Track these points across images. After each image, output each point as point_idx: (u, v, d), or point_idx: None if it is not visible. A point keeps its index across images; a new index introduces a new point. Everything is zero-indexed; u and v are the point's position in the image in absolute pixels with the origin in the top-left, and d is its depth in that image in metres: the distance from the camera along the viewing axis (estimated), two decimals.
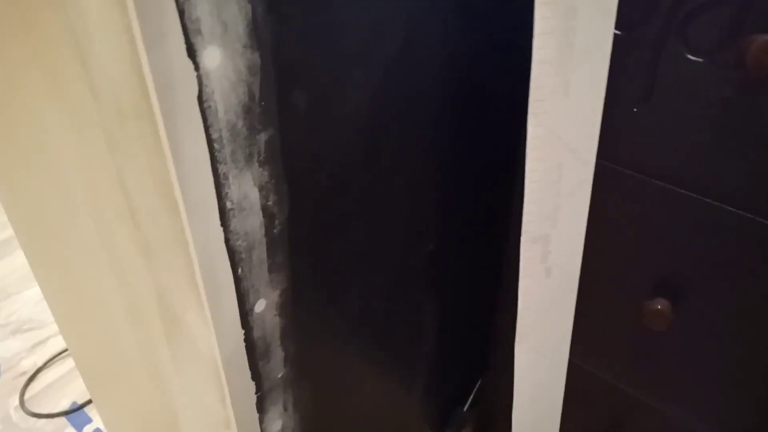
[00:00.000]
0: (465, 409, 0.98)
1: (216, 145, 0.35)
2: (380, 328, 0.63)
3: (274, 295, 0.45)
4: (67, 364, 1.04)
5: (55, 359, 1.04)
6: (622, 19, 0.47)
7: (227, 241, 0.39)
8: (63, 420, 0.95)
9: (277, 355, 0.49)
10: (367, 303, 0.57)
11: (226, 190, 0.37)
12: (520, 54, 0.58)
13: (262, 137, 0.37)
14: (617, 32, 0.51)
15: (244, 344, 0.44)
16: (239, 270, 0.41)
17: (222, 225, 0.38)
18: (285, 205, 0.42)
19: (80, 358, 0.71)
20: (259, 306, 0.44)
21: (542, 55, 0.33)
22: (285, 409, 0.53)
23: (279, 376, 0.50)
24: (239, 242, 0.40)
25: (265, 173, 0.39)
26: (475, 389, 0.99)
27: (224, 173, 0.36)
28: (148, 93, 0.31)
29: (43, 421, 0.94)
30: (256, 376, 0.47)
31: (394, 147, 0.50)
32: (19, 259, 1.30)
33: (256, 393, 0.48)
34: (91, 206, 0.44)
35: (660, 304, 0.58)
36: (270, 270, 0.43)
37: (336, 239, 0.49)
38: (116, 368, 0.63)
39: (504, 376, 0.92)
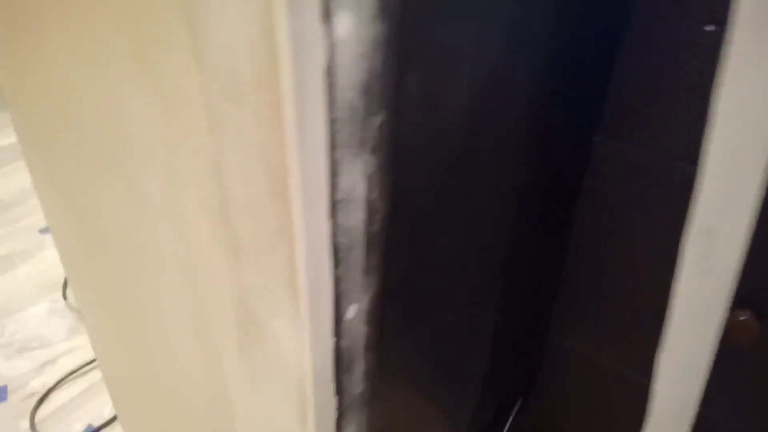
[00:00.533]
0: None
1: (336, 126, 0.31)
2: (449, 342, 0.59)
3: (365, 301, 0.41)
4: (80, 384, 0.98)
5: (67, 379, 0.98)
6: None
7: (333, 236, 0.35)
8: None
9: (359, 369, 0.44)
10: (444, 314, 0.53)
11: (338, 178, 0.33)
12: (608, 59, 0.55)
13: (376, 121, 0.34)
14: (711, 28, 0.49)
15: (332, 355, 0.40)
16: (339, 270, 0.37)
17: (330, 218, 0.34)
18: (386, 200, 0.38)
19: (112, 373, 0.66)
20: (351, 312, 0.40)
21: (742, 18, 0.29)
22: (359, 430, 0.49)
23: (358, 392, 0.46)
24: (342, 239, 0.36)
25: (374, 162, 0.35)
26: (513, 412, 0.95)
27: (338, 159, 0.32)
28: (278, 61, 0.27)
29: None
30: (339, 391, 0.43)
31: (487, 145, 0.46)
32: (20, 276, 1.24)
33: (336, 410, 0.44)
34: (167, 198, 0.39)
35: (745, 316, 0.56)
36: (365, 272, 0.39)
37: (427, 241, 0.45)
38: (156, 384, 0.58)
39: (550, 397, 0.88)
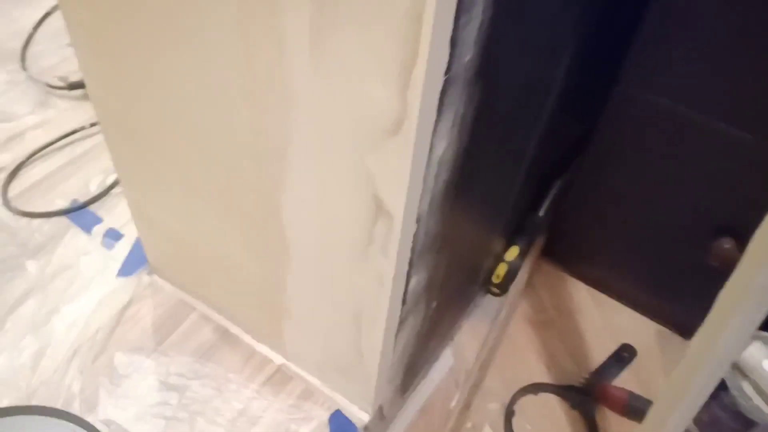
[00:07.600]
0: (541, 214, 0.86)
1: None
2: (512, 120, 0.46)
3: None
4: (56, 160, 0.84)
5: (39, 154, 0.84)
6: None
7: None
8: (64, 220, 0.76)
9: None
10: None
11: None
12: None
13: None
14: None
15: None
16: None
17: None
18: None
19: (117, 125, 0.52)
20: None
21: None
22: (453, 124, 0.37)
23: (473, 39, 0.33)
24: None
25: None
26: (551, 193, 0.86)
27: None
28: None
29: (39, 221, 0.76)
30: (455, 33, 0.30)
31: None
32: None
33: (447, 70, 0.31)
34: None
35: (729, 244, 0.63)
36: None
37: None
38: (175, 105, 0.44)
39: (589, 177, 0.79)
